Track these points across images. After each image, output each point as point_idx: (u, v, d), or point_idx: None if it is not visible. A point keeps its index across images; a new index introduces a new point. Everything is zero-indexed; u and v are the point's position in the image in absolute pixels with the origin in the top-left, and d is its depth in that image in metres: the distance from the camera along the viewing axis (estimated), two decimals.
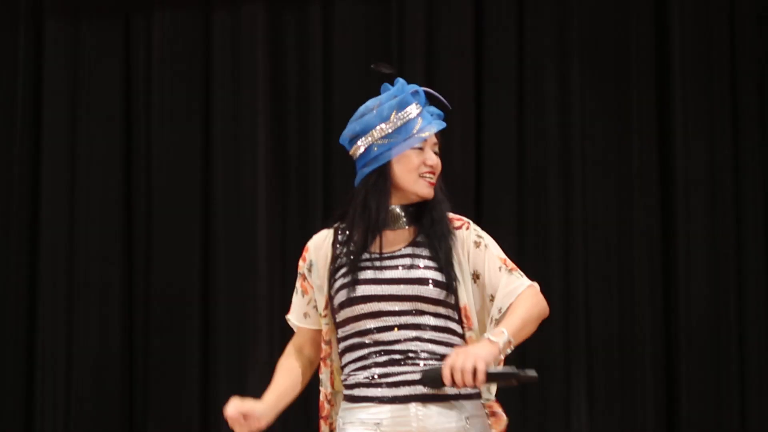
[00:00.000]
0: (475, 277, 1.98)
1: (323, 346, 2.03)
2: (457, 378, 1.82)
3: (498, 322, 1.93)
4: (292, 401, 2.08)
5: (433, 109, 2.04)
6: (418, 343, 1.94)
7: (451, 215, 2.04)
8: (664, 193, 4.32)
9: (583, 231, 4.22)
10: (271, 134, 4.43)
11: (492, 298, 1.97)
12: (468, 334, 1.97)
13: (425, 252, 1.98)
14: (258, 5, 4.40)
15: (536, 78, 4.39)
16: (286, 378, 2.05)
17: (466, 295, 1.98)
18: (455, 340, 1.97)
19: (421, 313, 1.96)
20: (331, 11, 4.43)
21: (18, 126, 4.49)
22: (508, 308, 1.94)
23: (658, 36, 4.38)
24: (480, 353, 1.83)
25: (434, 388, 1.91)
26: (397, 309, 1.95)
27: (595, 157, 4.31)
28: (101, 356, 4.40)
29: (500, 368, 1.88)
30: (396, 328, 1.95)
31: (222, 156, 4.46)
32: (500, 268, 1.97)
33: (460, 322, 1.98)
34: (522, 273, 2.00)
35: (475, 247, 1.99)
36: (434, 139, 2.02)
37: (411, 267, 1.97)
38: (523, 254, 4.09)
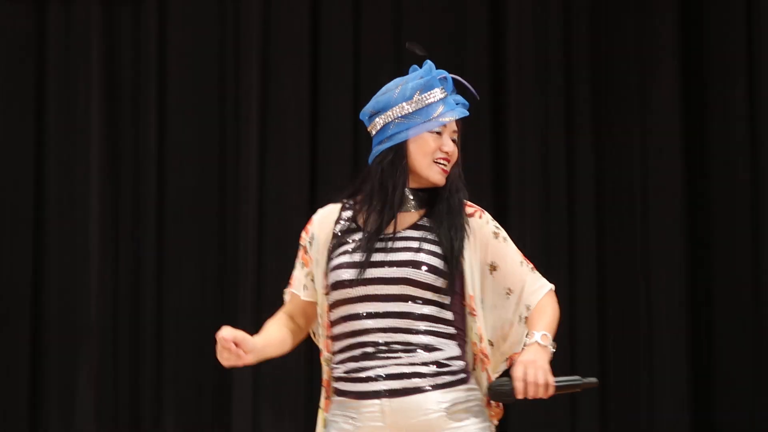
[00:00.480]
0: (492, 268, 1.92)
1: (324, 324, 1.95)
2: (530, 392, 1.81)
3: (528, 321, 1.91)
4: (276, 356, 2.00)
5: (459, 97, 1.98)
6: (401, 334, 1.86)
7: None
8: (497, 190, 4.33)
9: None
10: (105, 129, 4.35)
11: (509, 292, 1.93)
12: (471, 323, 1.90)
13: (429, 236, 1.90)
14: None
15: (374, 73, 4.35)
16: (277, 332, 1.97)
17: (472, 284, 1.90)
18: (445, 329, 1.88)
19: (409, 299, 1.87)
20: (167, 5, 4.37)
21: None
22: (535, 307, 1.92)
23: (493, 32, 4.39)
24: (544, 365, 1.81)
25: (505, 402, 1.89)
26: (383, 293, 1.87)
27: None
28: None
29: (566, 378, 1.87)
30: (377, 316, 1.87)
31: (55, 151, 4.37)
32: (521, 263, 1.94)
33: (459, 311, 1.90)
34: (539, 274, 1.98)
35: (494, 237, 1.93)
36: (454, 127, 1.95)
37: (406, 250, 1.89)
38: None
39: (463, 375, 1.87)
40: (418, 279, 1.86)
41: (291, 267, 2.03)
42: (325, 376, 1.95)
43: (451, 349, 1.87)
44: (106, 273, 4.32)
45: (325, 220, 1.98)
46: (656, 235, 4.35)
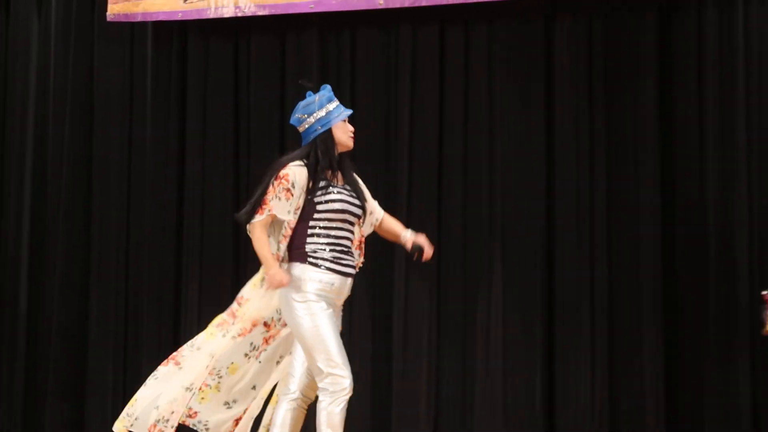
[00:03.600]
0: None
1: (288, 230, 3.41)
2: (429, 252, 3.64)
3: (386, 222, 3.67)
4: None
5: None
6: (352, 242, 3.51)
7: None
8: None
9: None
10: None
11: (370, 213, 3.63)
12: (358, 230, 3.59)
13: (350, 187, 3.52)
14: None
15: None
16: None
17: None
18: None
19: (354, 223, 3.51)
20: None
21: None
22: (383, 215, 3.66)
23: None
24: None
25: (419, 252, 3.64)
26: (350, 219, 3.47)
27: None
28: None
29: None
30: (349, 231, 3.49)
31: None
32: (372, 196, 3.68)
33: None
34: None
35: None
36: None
37: (352, 194, 3.49)
38: None
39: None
40: (359, 213, 3.54)
41: None
42: (281, 253, 3.44)
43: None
44: None
45: (298, 171, 3.42)
46: None
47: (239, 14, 5.61)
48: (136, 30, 6.01)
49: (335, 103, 3.54)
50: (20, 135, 6.14)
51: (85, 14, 6.10)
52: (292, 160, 3.45)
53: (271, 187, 3.40)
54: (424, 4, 5.34)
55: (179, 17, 5.78)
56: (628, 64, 5.36)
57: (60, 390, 5.79)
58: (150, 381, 3.64)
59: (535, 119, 5.38)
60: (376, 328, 5.57)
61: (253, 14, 5.60)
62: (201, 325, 3.90)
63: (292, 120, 3.57)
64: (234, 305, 3.68)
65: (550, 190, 5.33)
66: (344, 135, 3.49)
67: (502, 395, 5.30)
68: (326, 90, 3.58)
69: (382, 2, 5.38)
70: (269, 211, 3.36)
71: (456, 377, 5.46)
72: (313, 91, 3.55)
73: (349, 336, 5.16)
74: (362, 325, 5.49)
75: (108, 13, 5.83)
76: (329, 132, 3.47)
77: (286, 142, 5.55)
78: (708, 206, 5.16)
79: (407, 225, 3.79)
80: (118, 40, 6.05)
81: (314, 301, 3.35)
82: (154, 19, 5.88)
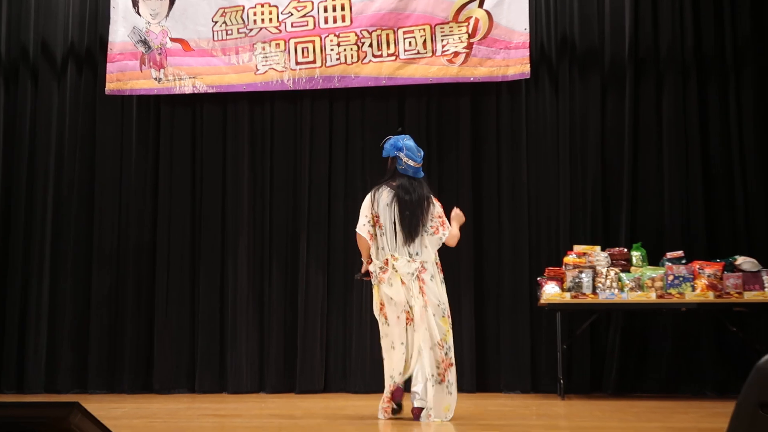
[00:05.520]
0: None
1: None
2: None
3: None
4: None
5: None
6: None
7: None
8: None
9: None
10: None
11: None
12: None
13: None
14: None
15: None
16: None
17: None
18: None
19: None
20: None
21: None
22: None
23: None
24: None
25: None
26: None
27: None
28: None
29: None
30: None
31: None
32: None
33: None
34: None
35: None
36: None
37: None
38: None
39: None
40: None
41: None
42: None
43: None
44: None
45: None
46: None
47: (195, 91, 7.06)
48: (125, 100, 7.27)
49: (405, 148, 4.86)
50: (44, 171, 7.30)
51: (91, 88, 7.34)
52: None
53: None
54: (319, 87, 6.96)
55: (155, 92, 7.13)
56: (449, 131, 7.02)
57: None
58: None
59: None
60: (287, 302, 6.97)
61: (205, 92, 7.06)
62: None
63: (386, 152, 4.93)
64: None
65: None
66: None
67: (369, 349, 6.66)
68: (400, 137, 4.93)
69: (291, 85, 6.97)
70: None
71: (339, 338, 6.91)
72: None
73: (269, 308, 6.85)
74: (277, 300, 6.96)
75: (106, 88, 7.13)
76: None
77: (227, 180, 7.13)
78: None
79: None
80: (113, 106, 7.28)
81: None
82: (137, 94, 7.14)
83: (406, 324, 4.74)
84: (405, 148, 4.86)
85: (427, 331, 4.67)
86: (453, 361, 4.73)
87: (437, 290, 4.76)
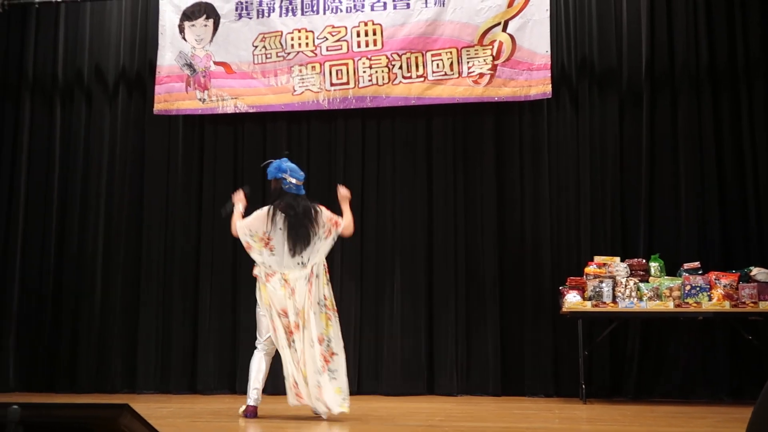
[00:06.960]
0: None
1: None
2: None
3: None
4: None
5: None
6: None
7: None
8: None
9: None
10: None
11: None
12: None
13: None
14: None
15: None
16: None
17: None
18: None
19: None
20: None
21: None
22: None
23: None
24: None
25: None
26: None
27: None
28: None
29: None
30: None
31: None
32: None
33: None
34: None
35: None
36: None
37: None
38: None
39: None
40: None
41: None
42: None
43: None
44: None
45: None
46: None
47: (237, 111, 7.27)
48: (172, 120, 7.49)
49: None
50: (96, 188, 7.56)
51: (140, 109, 7.58)
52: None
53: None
54: (352, 107, 7.14)
55: (199, 112, 7.35)
56: (474, 148, 7.15)
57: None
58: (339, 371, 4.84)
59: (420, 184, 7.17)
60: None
61: (246, 111, 7.28)
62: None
63: (270, 174, 5.07)
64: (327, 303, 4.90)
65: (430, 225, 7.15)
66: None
67: (401, 353, 6.90)
68: (282, 161, 5.11)
69: (326, 105, 7.15)
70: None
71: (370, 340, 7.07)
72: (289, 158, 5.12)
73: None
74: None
75: (155, 108, 7.37)
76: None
77: (266, 191, 6.86)
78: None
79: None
80: (161, 126, 7.49)
81: None
82: (183, 113, 7.38)
83: (286, 335, 4.91)
84: (289, 170, 5.11)
85: (308, 330, 4.84)
86: (337, 350, 4.89)
87: (320, 288, 4.94)
